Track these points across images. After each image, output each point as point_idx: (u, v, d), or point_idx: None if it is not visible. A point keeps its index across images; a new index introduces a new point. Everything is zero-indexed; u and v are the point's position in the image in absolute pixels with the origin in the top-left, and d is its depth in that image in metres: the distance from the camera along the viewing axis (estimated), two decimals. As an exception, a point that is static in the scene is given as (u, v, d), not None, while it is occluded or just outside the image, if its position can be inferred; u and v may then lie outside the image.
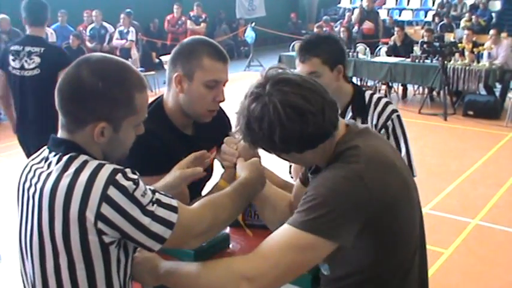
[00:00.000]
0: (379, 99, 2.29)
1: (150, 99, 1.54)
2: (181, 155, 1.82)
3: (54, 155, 1.33)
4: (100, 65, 1.33)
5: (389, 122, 2.22)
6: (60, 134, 1.36)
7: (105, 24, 10.03)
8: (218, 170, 2.01)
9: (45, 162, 1.34)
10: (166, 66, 1.90)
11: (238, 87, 1.57)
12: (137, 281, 1.47)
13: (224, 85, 1.85)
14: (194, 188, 1.87)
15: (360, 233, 1.29)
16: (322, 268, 1.50)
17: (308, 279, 1.65)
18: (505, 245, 4.32)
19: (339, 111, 2.14)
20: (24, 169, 1.41)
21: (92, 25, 10.18)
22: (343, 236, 1.26)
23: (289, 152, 1.37)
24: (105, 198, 1.22)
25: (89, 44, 10.05)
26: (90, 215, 1.22)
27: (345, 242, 1.27)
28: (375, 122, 2.23)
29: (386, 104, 2.27)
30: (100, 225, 1.23)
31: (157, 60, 11.05)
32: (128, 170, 1.27)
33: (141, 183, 1.28)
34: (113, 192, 1.23)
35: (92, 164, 1.27)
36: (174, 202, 1.33)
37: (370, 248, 1.35)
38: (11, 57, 3.89)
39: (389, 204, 1.31)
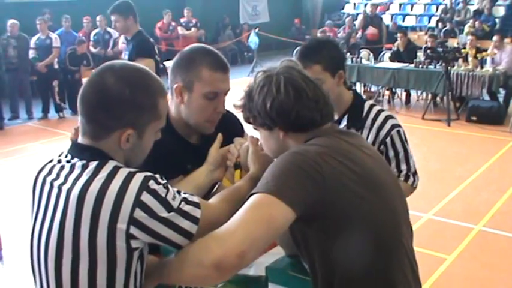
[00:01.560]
0: (379, 112, 2.19)
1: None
2: (186, 163, 1.81)
3: (79, 161, 1.33)
4: (124, 72, 1.35)
5: (389, 139, 2.15)
6: (83, 140, 1.37)
7: (108, 29, 10.06)
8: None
9: (68, 164, 1.35)
10: (169, 72, 1.89)
11: (242, 92, 1.57)
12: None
13: (226, 94, 1.82)
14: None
15: (311, 214, 1.33)
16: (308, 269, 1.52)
17: (310, 282, 1.66)
18: (509, 250, 4.31)
19: (336, 118, 2.13)
20: (40, 172, 1.40)
21: (96, 30, 10.22)
22: (291, 199, 1.31)
23: (275, 126, 1.48)
24: (138, 203, 1.25)
25: (92, 49, 10.06)
26: (121, 222, 1.24)
27: (294, 205, 1.31)
28: (373, 136, 2.15)
29: (386, 118, 2.18)
30: (132, 229, 1.25)
31: (161, 66, 11.07)
32: (157, 176, 1.31)
33: (170, 187, 1.32)
34: (146, 197, 1.25)
35: (124, 171, 1.29)
36: (196, 198, 1.38)
37: (324, 242, 1.38)
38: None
39: (341, 190, 1.35)
